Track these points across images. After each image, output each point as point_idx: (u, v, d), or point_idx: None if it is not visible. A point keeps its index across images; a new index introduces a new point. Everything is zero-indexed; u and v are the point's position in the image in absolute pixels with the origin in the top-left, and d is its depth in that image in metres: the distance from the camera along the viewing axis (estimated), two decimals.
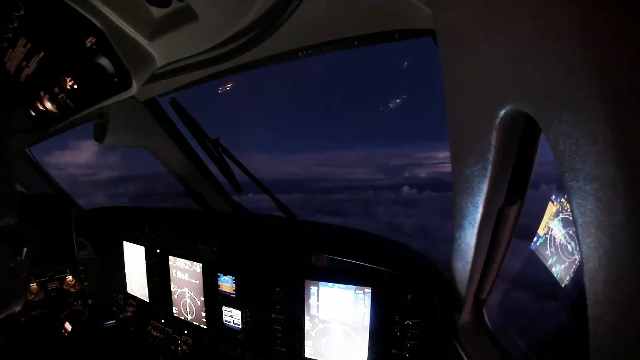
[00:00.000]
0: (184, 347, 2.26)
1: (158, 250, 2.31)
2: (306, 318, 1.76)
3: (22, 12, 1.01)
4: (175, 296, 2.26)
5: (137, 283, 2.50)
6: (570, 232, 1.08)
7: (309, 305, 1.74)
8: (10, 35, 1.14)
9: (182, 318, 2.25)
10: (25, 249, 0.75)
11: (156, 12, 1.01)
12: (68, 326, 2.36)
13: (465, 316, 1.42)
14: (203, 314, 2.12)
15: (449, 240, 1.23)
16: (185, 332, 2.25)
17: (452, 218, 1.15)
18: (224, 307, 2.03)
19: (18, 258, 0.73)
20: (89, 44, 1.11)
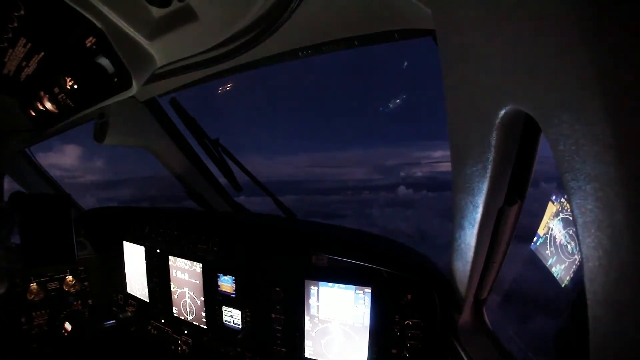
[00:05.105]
0: (184, 347, 2.26)
1: (158, 250, 2.31)
2: (306, 318, 1.76)
3: (22, 12, 1.01)
4: (175, 296, 2.26)
5: (137, 283, 2.50)
6: (570, 232, 1.08)
7: (309, 305, 1.74)
8: (10, 35, 1.14)
9: (182, 318, 2.24)
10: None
11: (156, 12, 1.01)
12: (68, 326, 2.36)
13: (465, 316, 1.42)
14: (203, 314, 2.12)
15: (449, 245, 1.23)
16: (185, 332, 2.25)
17: (452, 218, 1.15)
18: (224, 307, 2.03)
19: None
20: (89, 44, 1.11)
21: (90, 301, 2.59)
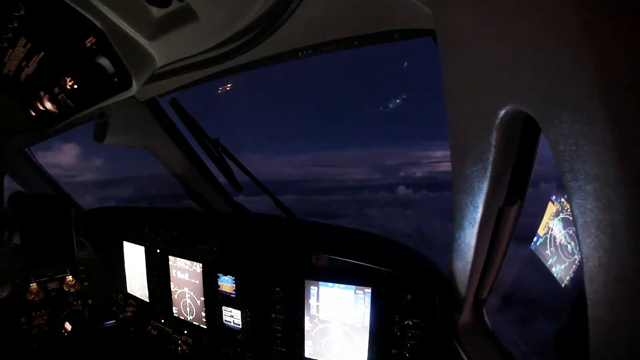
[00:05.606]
0: (184, 347, 2.26)
1: (158, 250, 2.31)
2: (306, 318, 1.76)
3: (22, 12, 1.01)
4: (175, 296, 2.26)
5: (137, 283, 2.50)
6: (570, 232, 1.08)
7: (309, 305, 1.74)
8: (10, 35, 1.14)
9: (182, 318, 2.24)
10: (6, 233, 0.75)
11: (156, 12, 1.01)
12: (68, 326, 2.36)
13: (465, 316, 1.42)
14: (203, 314, 2.12)
15: (449, 245, 1.23)
16: (185, 332, 2.25)
17: (452, 218, 1.15)
18: (224, 307, 2.03)
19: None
20: (89, 44, 1.11)
21: (90, 301, 2.59)
